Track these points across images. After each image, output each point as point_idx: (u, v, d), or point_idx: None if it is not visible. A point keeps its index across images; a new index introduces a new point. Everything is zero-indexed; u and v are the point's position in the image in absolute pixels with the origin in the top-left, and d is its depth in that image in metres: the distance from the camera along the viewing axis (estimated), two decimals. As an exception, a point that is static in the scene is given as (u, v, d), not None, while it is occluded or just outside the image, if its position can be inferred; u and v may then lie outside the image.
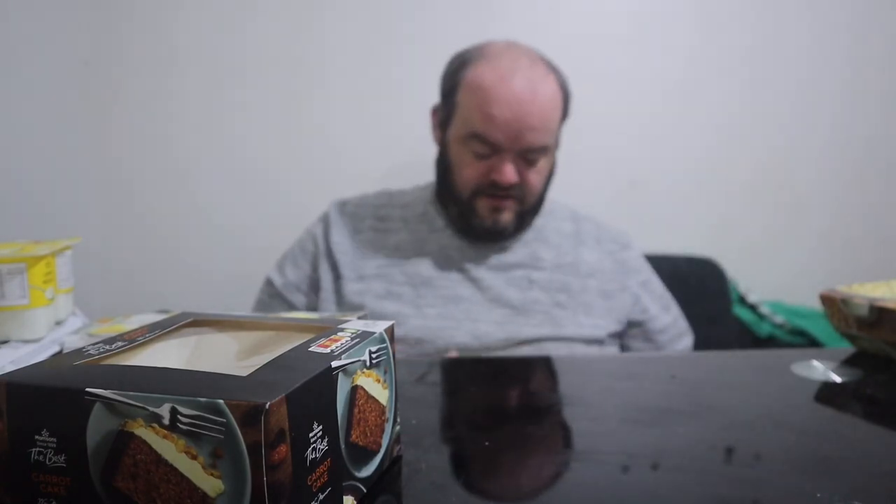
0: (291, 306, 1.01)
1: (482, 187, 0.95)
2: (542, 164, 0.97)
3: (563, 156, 1.21)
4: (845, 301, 0.60)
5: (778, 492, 0.34)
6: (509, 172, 0.93)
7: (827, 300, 0.63)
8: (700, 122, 1.41)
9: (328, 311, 0.98)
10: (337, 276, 0.99)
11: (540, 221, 1.04)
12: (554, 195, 1.11)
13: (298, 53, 1.34)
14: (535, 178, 0.96)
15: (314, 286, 1.01)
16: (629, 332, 1.02)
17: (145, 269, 1.36)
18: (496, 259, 0.99)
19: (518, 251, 1.00)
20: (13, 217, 1.31)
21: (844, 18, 1.39)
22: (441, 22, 1.33)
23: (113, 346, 0.34)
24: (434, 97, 1.04)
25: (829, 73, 1.41)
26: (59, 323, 0.59)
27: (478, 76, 0.94)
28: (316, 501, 0.29)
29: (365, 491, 0.34)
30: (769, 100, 1.41)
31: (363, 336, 0.35)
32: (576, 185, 1.33)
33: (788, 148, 1.43)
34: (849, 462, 0.37)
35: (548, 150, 0.97)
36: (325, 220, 1.04)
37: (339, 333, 0.35)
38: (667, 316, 1.05)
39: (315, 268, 1.01)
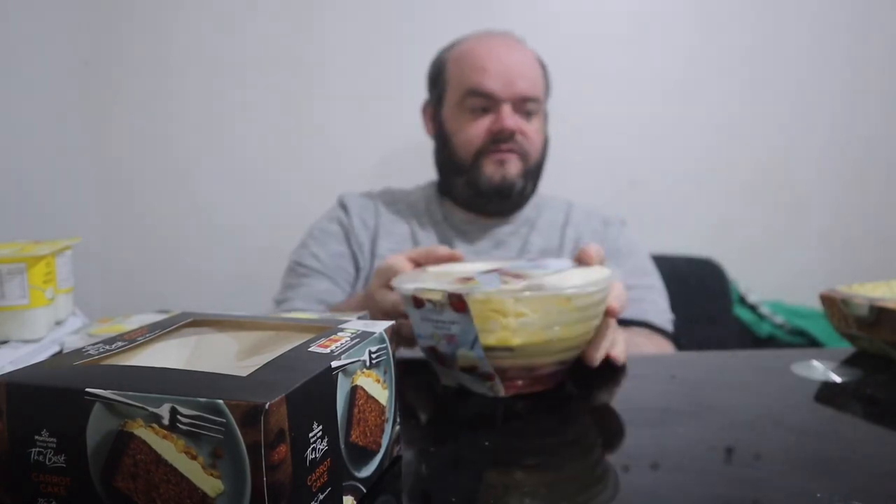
0: (335, 283, 1.01)
1: (485, 144, 0.97)
2: (537, 122, 1.01)
3: (562, 156, 1.21)
4: (845, 301, 0.60)
5: (778, 492, 0.34)
6: (509, 117, 0.96)
7: (827, 300, 0.63)
8: (700, 123, 1.41)
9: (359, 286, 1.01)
10: (358, 257, 1.02)
11: (534, 213, 1.06)
12: (554, 194, 1.11)
13: (298, 53, 1.34)
14: (533, 133, 0.99)
15: (353, 261, 1.02)
16: None
17: (145, 269, 1.36)
18: (493, 254, 1.01)
19: (512, 244, 1.02)
20: (13, 217, 1.31)
21: (844, 18, 1.39)
22: (441, 22, 1.33)
23: (113, 346, 0.34)
24: (433, 97, 1.05)
25: (829, 74, 1.41)
26: (59, 323, 0.59)
27: (462, 47, 1.02)
28: (316, 501, 0.29)
29: (365, 491, 0.34)
30: (769, 100, 1.41)
31: (363, 336, 0.35)
32: (576, 184, 1.33)
33: (788, 148, 1.43)
34: (849, 462, 0.37)
35: (539, 104, 1.00)
36: (344, 207, 1.07)
37: (339, 333, 0.35)
38: (642, 279, 0.99)
39: (349, 244, 1.03)
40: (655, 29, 1.38)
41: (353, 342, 0.34)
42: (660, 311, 0.97)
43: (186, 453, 0.26)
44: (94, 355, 0.32)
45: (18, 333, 0.55)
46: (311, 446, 0.28)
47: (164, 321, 0.39)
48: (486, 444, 0.42)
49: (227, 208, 1.36)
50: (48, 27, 1.31)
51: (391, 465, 0.38)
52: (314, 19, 1.34)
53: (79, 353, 0.33)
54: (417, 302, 0.49)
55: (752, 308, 1.37)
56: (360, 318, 0.43)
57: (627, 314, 0.91)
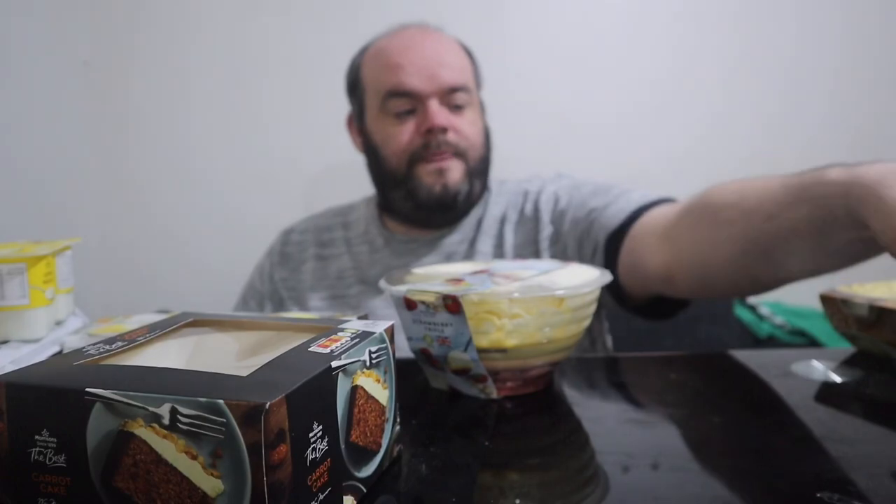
0: None
1: (416, 151, 0.87)
2: (470, 114, 0.90)
3: (562, 156, 1.21)
4: (845, 301, 0.60)
5: (778, 492, 0.34)
6: (437, 113, 0.85)
7: (827, 300, 0.63)
8: (700, 123, 1.41)
9: None
10: (282, 302, 0.97)
11: (481, 210, 0.95)
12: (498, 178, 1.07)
13: (301, 52, 1.35)
14: (467, 127, 0.89)
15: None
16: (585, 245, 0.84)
17: (146, 269, 1.36)
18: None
19: (461, 253, 0.92)
20: (13, 217, 1.31)
21: (834, 17, 1.40)
22: (441, 22, 1.33)
23: (113, 346, 0.34)
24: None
25: (822, 70, 1.41)
26: (59, 323, 0.59)
27: (373, 48, 0.93)
28: (316, 501, 0.29)
29: (365, 491, 0.34)
30: (769, 100, 1.41)
31: (363, 336, 0.35)
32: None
33: (788, 148, 1.43)
34: (849, 462, 0.37)
35: (471, 93, 0.90)
36: (271, 256, 1.01)
37: (339, 333, 0.35)
38: (609, 193, 0.86)
39: (262, 308, 0.98)
40: (653, 28, 1.38)
41: (353, 342, 0.34)
42: (641, 195, 0.84)
43: (186, 453, 0.26)
44: (94, 355, 0.32)
45: (18, 333, 0.55)
46: (312, 446, 0.28)
47: (164, 321, 0.39)
48: (486, 444, 0.42)
49: (227, 208, 1.36)
50: (48, 27, 1.31)
51: (391, 465, 0.38)
52: (315, 19, 1.34)
53: (79, 353, 0.33)
54: (409, 304, 0.49)
55: (752, 308, 1.37)
56: (360, 317, 0.43)
57: (619, 218, 0.79)
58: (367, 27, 1.35)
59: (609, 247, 0.80)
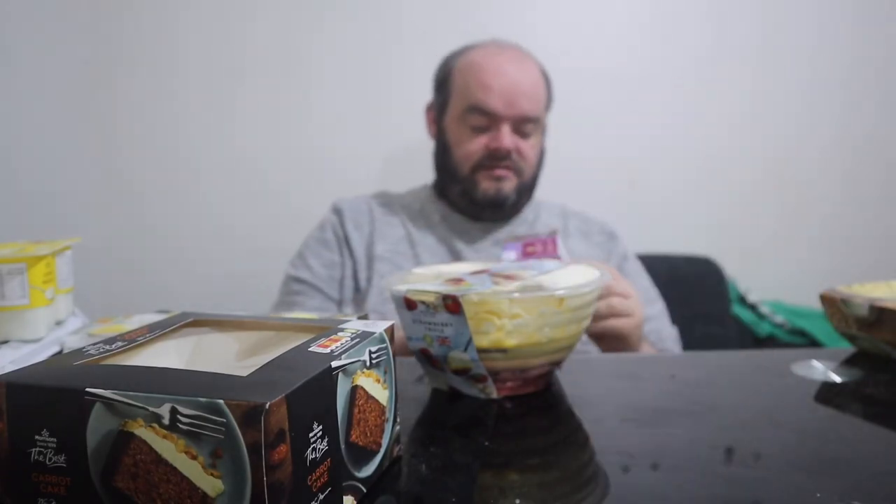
0: (327, 297, 1.01)
1: (482, 161, 1.00)
2: (534, 139, 1.03)
3: (563, 156, 1.21)
4: (845, 301, 0.60)
5: (778, 492, 0.34)
6: (507, 138, 0.98)
7: (827, 300, 0.63)
8: (699, 122, 1.41)
9: (349, 298, 1.02)
10: (354, 262, 1.04)
11: (532, 215, 1.09)
12: (554, 195, 1.11)
13: (299, 53, 1.34)
14: (529, 150, 1.02)
15: (349, 268, 1.04)
16: None
17: (145, 269, 1.36)
18: (492, 251, 1.03)
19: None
20: (13, 217, 1.31)
21: (844, 19, 1.39)
22: (441, 22, 1.33)
23: (113, 346, 0.34)
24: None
25: (829, 74, 1.41)
26: (59, 323, 0.59)
27: (470, 58, 1.03)
28: (316, 501, 0.29)
29: (365, 491, 0.34)
30: (769, 100, 1.41)
31: (363, 336, 0.35)
32: (576, 185, 1.33)
33: (788, 148, 1.43)
34: (849, 462, 0.37)
35: (539, 123, 1.02)
36: (338, 212, 1.08)
37: (339, 333, 0.35)
38: (650, 308, 1.03)
39: (341, 253, 1.04)
40: (657, 29, 1.38)
41: (354, 342, 0.34)
42: (673, 338, 1.03)
43: (186, 453, 0.26)
44: (94, 355, 0.32)
45: (18, 333, 0.55)
46: (312, 446, 0.28)
47: (164, 321, 0.39)
48: (486, 444, 0.42)
49: (227, 208, 1.36)
50: (48, 27, 1.31)
51: (391, 465, 0.38)
52: (315, 19, 1.34)
53: (79, 353, 0.33)
54: (409, 304, 0.49)
55: (752, 308, 1.37)
56: (360, 317, 0.43)
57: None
58: (366, 28, 1.35)
59: None
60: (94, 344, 0.34)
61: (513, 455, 0.41)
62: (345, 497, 0.32)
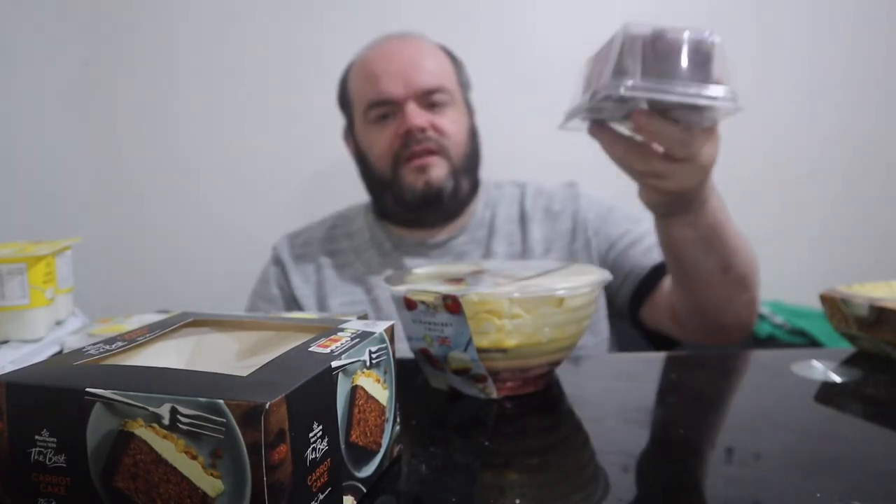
0: None
1: (398, 152, 0.89)
2: (453, 113, 0.92)
3: (563, 157, 1.21)
4: (845, 301, 0.60)
5: (778, 492, 0.34)
6: (414, 114, 0.87)
7: (827, 300, 0.63)
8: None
9: None
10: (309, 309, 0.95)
11: (488, 213, 0.97)
12: (501, 180, 1.07)
13: (299, 53, 1.34)
14: (449, 125, 0.90)
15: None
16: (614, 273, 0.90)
17: (146, 269, 1.36)
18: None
19: (473, 253, 0.96)
20: (13, 217, 1.31)
21: (843, 18, 1.39)
22: (441, 22, 1.33)
23: (113, 346, 0.34)
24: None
25: (828, 73, 1.41)
26: (59, 323, 0.59)
27: (356, 61, 0.97)
28: (316, 501, 0.29)
29: (365, 491, 0.34)
30: (768, 99, 1.41)
31: (363, 336, 0.35)
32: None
33: (787, 147, 1.43)
34: (849, 462, 0.37)
35: (449, 94, 0.92)
36: (280, 264, 0.99)
37: (339, 333, 0.35)
38: (639, 227, 0.93)
39: (289, 310, 0.96)
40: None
41: (353, 342, 0.34)
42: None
43: (186, 453, 0.26)
44: (94, 355, 0.32)
45: (18, 333, 0.55)
46: (311, 446, 0.28)
47: (164, 321, 0.39)
48: (486, 444, 0.42)
49: (227, 208, 1.36)
50: (48, 27, 1.31)
51: (391, 465, 0.38)
52: (314, 19, 1.34)
53: (79, 353, 0.33)
54: (409, 304, 0.49)
55: (752, 308, 1.37)
56: (360, 317, 0.43)
57: (652, 262, 0.86)
58: (365, 29, 1.35)
59: (639, 288, 0.88)
60: (94, 344, 0.34)
61: (513, 455, 0.41)
62: (345, 497, 0.32)
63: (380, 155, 0.92)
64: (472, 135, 0.96)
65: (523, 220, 0.96)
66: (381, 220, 1.00)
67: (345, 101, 1.00)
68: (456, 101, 0.93)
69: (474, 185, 0.97)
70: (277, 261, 1.00)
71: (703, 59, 0.55)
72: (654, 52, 0.55)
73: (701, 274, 0.72)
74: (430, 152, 0.89)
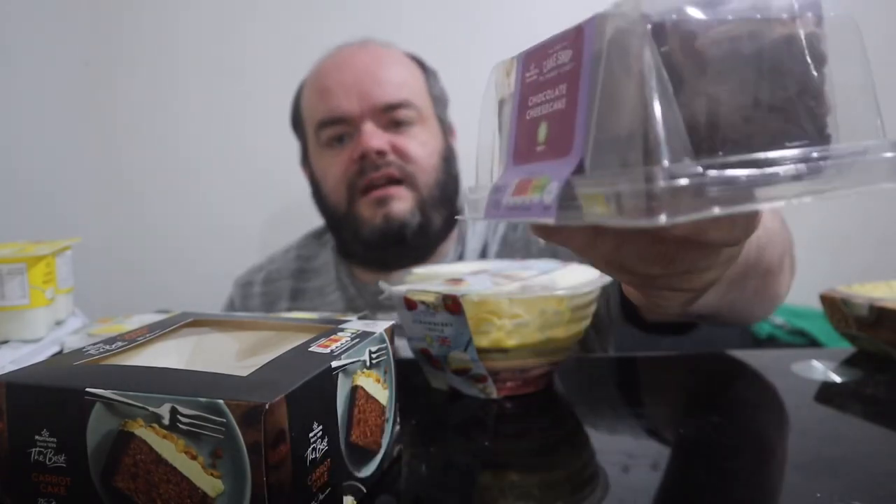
0: None
1: (353, 181, 0.75)
2: (421, 133, 0.77)
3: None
4: (845, 301, 0.60)
5: (778, 492, 0.34)
6: (370, 135, 0.73)
7: (827, 300, 0.63)
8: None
9: None
10: None
11: (460, 251, 0.83)
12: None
13: (299, 53, 1.34)
14: (415, 148, 0.76)
15: None
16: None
17: (146, 269, 1.36)
18: None
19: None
20: (13, 217, 1.31)
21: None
22: (441, 22, 1.33)
23: (113, 346, 0.34)
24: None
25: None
26: (59, 323, 0.59)
27: (311, 71, 0.84)
28: (316, 501, 0.29)
29: (365, 491, 0.34)
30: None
31: (363, 336, 0.35)
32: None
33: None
34: (849, 462, 0.37)
35: (416, 109, 0.77)
36: (234, 310, 0.89)
37: (339, 333, 0.35)
38: None
39: None
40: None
41: (353, 342, 0.34)
42: None
43: (186, 453, 0.26)
44: (94, 355, 0.32)
45: (18, 333, 0.55)
46: (311, 446, 0.28)
47: (164, 321, 0.39)
48: (486, 444, 0.42)
49: (227, 208, 1.36)
50: (48, 27, 1.31)
51: (391, 465, 0.38)
52: (314, 19, 1.34)
53: (79, 353, 0.33)
54: (409, 304, 0.49)
55: (752, 308, 1.37)
56: (360, 317, 0.43)
57: None
58: (365, 29, 1.35)
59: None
60: (94, 344, 0.34)
61: (513, 455, 0.41)
62: (345, 497, 0.32)
63: (333, 186, 0.77)
64: (446, 158, 0.80)
65: (485, 254, 0.83)
66: (344, 260, 0.86)
67: (297, 122, 0.86)
68: (425, 118, 0.79)
69: (449, 220, 0.80)
70: (231, 306, 0.92)
71: (804, 72, 0.23)
72: (699, 67, 0.22)
73: (739, 308, 0.56)
74: (391, 181, 0.75)
